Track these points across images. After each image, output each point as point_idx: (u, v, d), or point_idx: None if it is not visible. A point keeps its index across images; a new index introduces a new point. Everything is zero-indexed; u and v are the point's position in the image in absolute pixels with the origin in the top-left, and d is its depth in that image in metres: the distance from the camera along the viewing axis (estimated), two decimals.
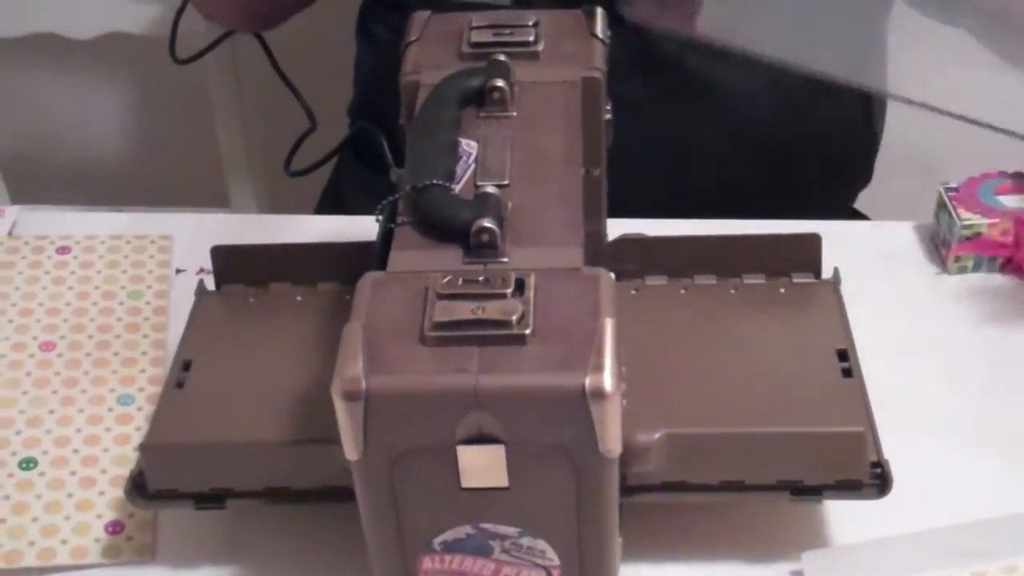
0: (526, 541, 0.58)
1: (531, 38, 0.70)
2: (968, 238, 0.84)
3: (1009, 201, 0.85)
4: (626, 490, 0.62)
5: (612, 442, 0.54)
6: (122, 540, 0.70)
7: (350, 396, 0.53)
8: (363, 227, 0.68)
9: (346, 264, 0.71)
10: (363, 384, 0.53)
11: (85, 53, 1.39)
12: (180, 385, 0.70)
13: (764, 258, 0.75)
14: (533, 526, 0.58)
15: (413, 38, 0.71)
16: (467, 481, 0.56)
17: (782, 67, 0.78)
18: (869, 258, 0.85)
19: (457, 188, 0.62)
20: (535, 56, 0.69)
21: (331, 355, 0.54)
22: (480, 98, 0.67)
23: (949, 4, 0.82)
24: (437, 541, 0.58)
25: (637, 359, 0.63)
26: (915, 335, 0.81)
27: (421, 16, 0.73)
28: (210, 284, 0.77)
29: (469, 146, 0.64)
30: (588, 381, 0.53)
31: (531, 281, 0.56)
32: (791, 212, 0.85)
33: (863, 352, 0.70)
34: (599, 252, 0.72)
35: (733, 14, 0.78)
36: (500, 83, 0.66)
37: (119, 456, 0.74)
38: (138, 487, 0.66)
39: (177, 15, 1.06)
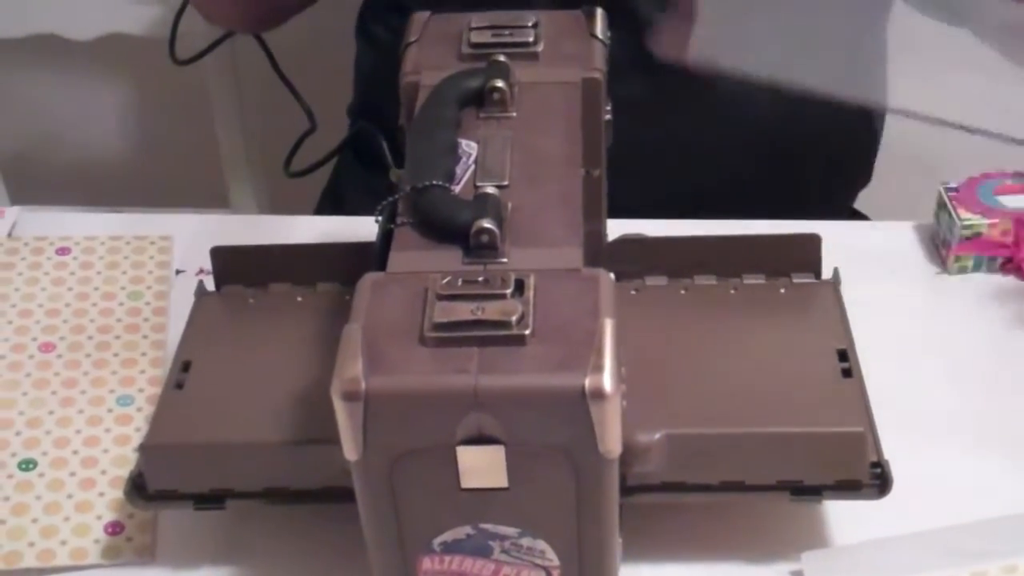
0: (526, 541, 0.58)
1: (531, 39, 0.70)
2: (968, 238, 0.84)
3: (1009, 201, 0.85)
4: (626, 490, 0.62)
5: (612, 442, 0.54)
6: (122, 541, 0.70)
7: (350, 396, 0.53)
8: (363, 228, 0.68)
9: (346, 265, 0.71)
10: (363, 385, 0.53)
11: (85, 54, 1.39)
12: (180, 386, 0.70)
13: (764, 258, 0.75)
14: (533, 526, 0.58)
15: (413, 39, 0.71)
16: (467, 482, 0.56)
17: (789, 88, 0.77)
18: (869, 258, 0.85)
19: (457, 189, 0.62)
20: (535, 57, 0.69)
21: (331, 356, 0.54)
22: (480, 99, 0.67)
23: (950, 4, 0.82)
24: (437, 542, 0.58)
25: (637, 359, 0.63)
26: (915, 335, 0.81)
27: (421, 17, 0.73)
28: (210, 285, 0.77)
29: (469, 147, 0.64)
30: (588, 382, 0.53)
31: (531, 282, 0.56)
32: (791, 212, 0.85)
33: (863, 352, 0.70)
34: (599, 252, 0.72)
35: (732, 36, 0.78)
36: (500, 84, 0.66)
37: (119, 457, 0.74)
38: (138, 488, 0.66)
39: (177, 16, 1.06)
